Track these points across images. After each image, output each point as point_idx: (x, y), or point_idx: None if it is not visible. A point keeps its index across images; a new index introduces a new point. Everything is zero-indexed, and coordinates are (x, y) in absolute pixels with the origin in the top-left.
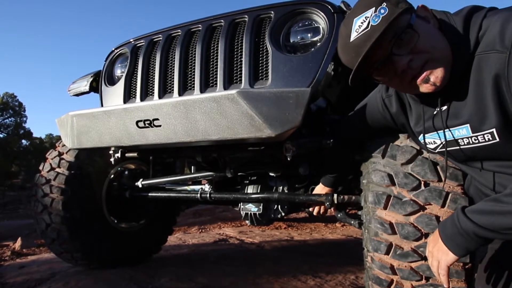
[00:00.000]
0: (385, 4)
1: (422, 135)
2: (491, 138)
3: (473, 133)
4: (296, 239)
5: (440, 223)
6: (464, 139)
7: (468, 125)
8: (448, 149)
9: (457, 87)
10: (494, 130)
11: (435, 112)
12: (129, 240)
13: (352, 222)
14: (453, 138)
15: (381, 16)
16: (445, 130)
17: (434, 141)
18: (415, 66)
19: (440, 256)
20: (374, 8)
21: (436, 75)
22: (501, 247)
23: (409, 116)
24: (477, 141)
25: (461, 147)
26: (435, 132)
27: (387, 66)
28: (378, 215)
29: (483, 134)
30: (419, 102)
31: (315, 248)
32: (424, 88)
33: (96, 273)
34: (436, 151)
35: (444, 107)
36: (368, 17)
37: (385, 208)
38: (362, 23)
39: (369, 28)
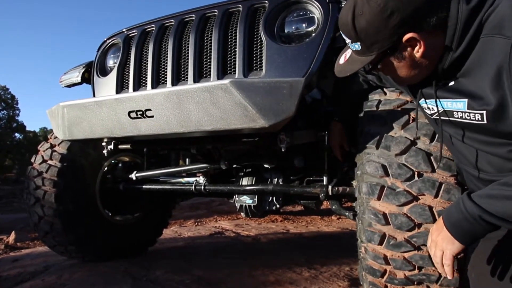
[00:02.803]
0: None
1: (423, 99)
2: (480, 119)
3: (467, 109)
4: (292, 231)
5: (444, 211)
6: (459, 113)
7: (466, 100)
8: (446, 118)
9: (462, 62)
10: (484, 112)
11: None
12: (124, 233)
13: (347, 213)
14: (450, 109)
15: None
16: (453, 100)
17: (432, 108)
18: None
19: (445, 245)
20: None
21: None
22: (494, 235)
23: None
24: (469, 117)
25: (454, 119)
26: (433, 100)
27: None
28: (371, 206)
29: (475, 113)
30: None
31: (311, 240)
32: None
33: (90, 266)
34: (432, 117)
35: (452, 83)
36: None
37: (378, 198)
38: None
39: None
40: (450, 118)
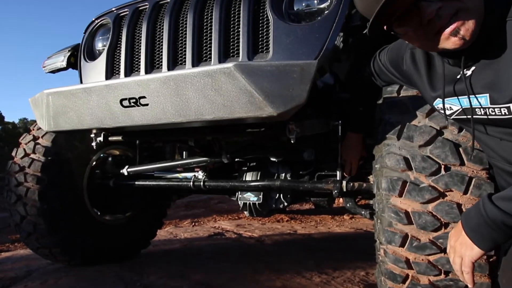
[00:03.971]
0: None
1: (439, 99)
2: (507, 113)
3: (491, 104)
4: (300, 232)
5: (463, 214)
6: (481, 109)
7: (487, 95)
8: (465, 116)
9: (482, 51)
10: (511, 105)
11: (458, 76)
12: (114, 234)
13: (363, 212)
14: (470, 106)
15: None
16: (470, 96)
17: (450, 107)
18: (444, 15)
19: (463, 251)
20: None
21: (467, 27)
22: None
23: (424, 79)
24: (493, 113)
25: (477, 117)
26: (455, 98)
27: (411, 15)
28: (392, 203)
29: (500, 108)
30: (440, 64)
31: (321, 242)
32: (451, 43)
33: (77, 270)
34: (452, 117)
35: (468, 72)
36: None
37: (400, 195)
38: None
39: None
40: (474, 116)
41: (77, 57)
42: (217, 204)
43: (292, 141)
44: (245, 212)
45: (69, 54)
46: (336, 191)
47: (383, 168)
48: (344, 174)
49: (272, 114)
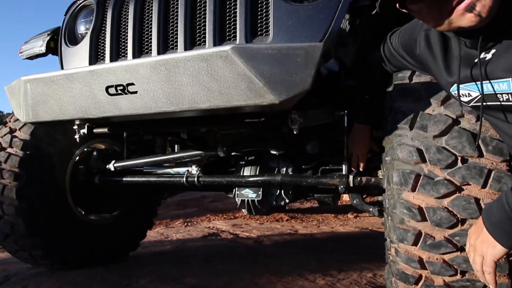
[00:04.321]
0: None
1: (456, 85)
2: None
3: None
4: (301, 232)
5: (483, 210)
6: (504, 95)
7: (510, 79)
8: (485, 103)
9: (504, 31)
10: None
11: (476, 60)
12: (100, 235)
13: (371, 209)
14: (492, 92)
15: None
16: (483, 82)
17: (469, 93)
18: None
19: (485, 249)
20: None
21: (483, 3)
22: None
23: (440, 63)
24: None
25: (502, 103)
26: (473, 83)
27: None
28: (404, 199)
29: None
30: (456, 46)
31: (324, 242)
32: (466, 19)
33: (60, 274)
34: (470, 104)
35: (487, 56)
36: None
37: (413, 189)
38: None
39: None
40: (494, 103)
41: (57, 42)
42: (211, 203)
43: (295, 132)
44: (243, 210)
45: (48, 38)
46: (342, 187)
47: (394, 160)
48: (351, 168)
49: (274, 102)
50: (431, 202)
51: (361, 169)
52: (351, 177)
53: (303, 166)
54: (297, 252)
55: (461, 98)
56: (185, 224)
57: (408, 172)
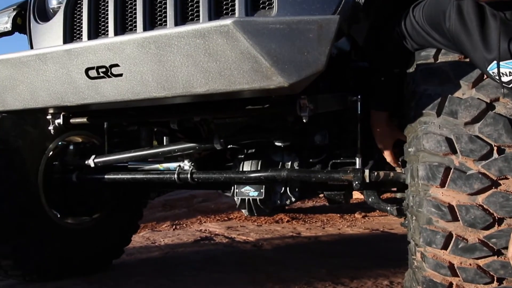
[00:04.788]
0: None
1: (495, 63)
2: None
3: None
4: (305, 235)
5: None
6: None
7: None
8: None
9: None
10: None
11: None
12: (79, 241)
13: (388, 208)
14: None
15: None
16: None
17: (510, 72)
18: None
19: None
20: None
21: None
22: None
23: (475, 37)
24: None
25: None
26: None
27: None
28: (432, 196)
29: None
30: (495, 20)
31: (331, 246)
32: None
33: (34, 287)
34: (511, 85)
35: None
36: None
37: (442, 185)
38: None
39: None
40: None
41: (25, 18)
42: (201, 203)
43: (304, 120)
44: (243, 211)
45: (14, 14)
46: (357, 182)
47: (419, 152)
48: (368, 161)
49: (283, 85)
50: (463, 199)
51: (392, 164)
52: (367, 171)
53: (311, 160)
54: (302, 257)
55: (502, 78)
56: (174, 227)
57: (436, 165)
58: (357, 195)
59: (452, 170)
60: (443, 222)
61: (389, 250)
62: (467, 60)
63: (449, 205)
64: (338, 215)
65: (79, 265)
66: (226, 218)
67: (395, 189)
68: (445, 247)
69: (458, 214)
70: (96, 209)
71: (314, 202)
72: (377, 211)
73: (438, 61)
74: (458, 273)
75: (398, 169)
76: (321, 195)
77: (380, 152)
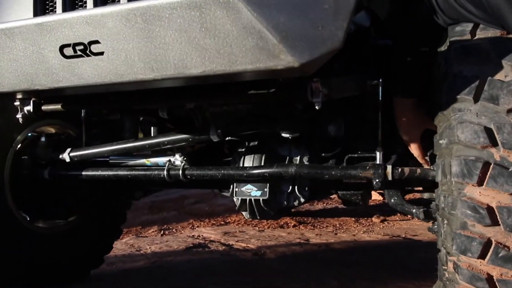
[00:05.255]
0: None
1: None
2: None
3: None
4: (314, 242)
5: None
6: None
7: None
8: None
9: None
10: None
11: None
12: (53, 247)
13: (414, 210)
14: None
15: None
16: None
17: None
18: None
19: None
20: None
21: None
22: None
23: None
24: None
25: None
26: None
27: None
28: (468, 196)
29: None
30: None
31: (345, 255)
32: None
33: None
34: None
35: None
36: None
37: (480, 183)
38: None
39: None
40: None
41: None
42: (193, 205)
43: (317, 107)
44: (244, 213)
45: None
46: (377, 180)
47: (453, 144)
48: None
49: (293, 65)
50: (505, 200)
51: (419, 159)
52: (389, 167)
53: (323, 154)
54: (311, 267)
55: None
56: (162, 232)
57: (473, 159)
58: (375, 196)
59: (491, 166)
60: (481, 226)
61: (412, 260)
62: (511, 36)
63: (487, 207)
64: (353, 219)
65: (52, 276)
66: (222, 222)
67: (421, 188)
68: (482, 256)
69: (498, 217)
70: (72, 211)
71: (324, 204)
72: (398, 214)
73: (476, 37)
74: (498, 286)
75: (426, 165)
76: (334, 196)
77: (404, 145)
